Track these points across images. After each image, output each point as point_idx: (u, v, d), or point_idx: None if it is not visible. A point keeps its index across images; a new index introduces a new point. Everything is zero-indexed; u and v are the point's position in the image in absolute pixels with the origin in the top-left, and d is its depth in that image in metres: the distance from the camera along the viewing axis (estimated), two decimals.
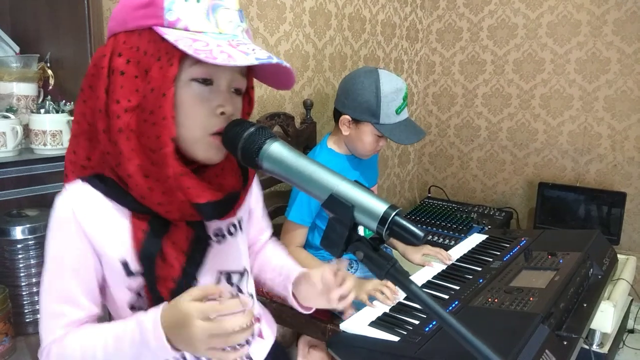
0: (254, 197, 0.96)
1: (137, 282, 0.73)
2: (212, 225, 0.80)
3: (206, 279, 0.79)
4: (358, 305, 1.46)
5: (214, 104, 0.70)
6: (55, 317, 0.73)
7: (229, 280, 0.85)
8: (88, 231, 0.71)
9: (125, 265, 0.73)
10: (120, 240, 0.72)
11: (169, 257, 0.73)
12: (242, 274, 0.88)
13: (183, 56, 0.65)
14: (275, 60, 0.66)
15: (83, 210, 0.71)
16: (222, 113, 0.70)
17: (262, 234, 1.04)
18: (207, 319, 0.64)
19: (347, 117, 1.60)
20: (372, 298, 1.37)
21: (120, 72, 0.67)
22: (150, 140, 0.67)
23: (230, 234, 0.84)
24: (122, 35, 0.68)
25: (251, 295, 0.91)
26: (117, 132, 0.67)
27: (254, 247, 1.02)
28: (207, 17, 0.67)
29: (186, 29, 0.66)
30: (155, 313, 0.68)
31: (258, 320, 0.92)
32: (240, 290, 0.87)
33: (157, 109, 0.66)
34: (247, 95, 0.78)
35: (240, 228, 0.87)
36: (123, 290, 0.74)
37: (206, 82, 0.69)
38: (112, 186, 0.71)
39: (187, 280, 0.75)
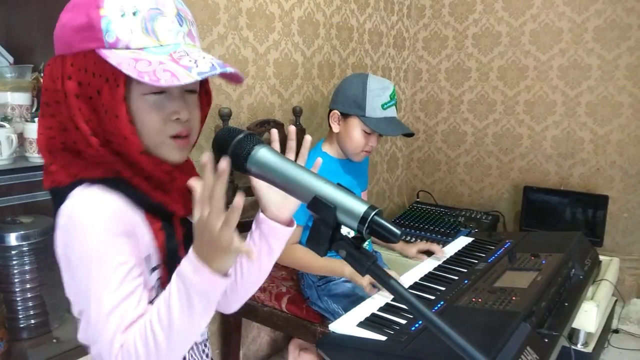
0: None
1: (155, 278, 0.76)
2: None
3: None
4: (347, 308, 1.50)
5: (168, 110, 0.72)
6: (118, 319, 0.68)
7: None
8: (128, 227, 0.71)
9: (148, 260, 0.75)
10: (142, 236, 0.74)
11: (180, 252, 0.76)
12: None
13: (129, 76, 0.67)
14: (218, 70, 0.68)
15: (119, 208, 0.71)
16: (177, 118, 0.73)
17: None
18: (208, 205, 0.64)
19: (337, 112, 1.67)
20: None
21: (75, 95, 0.69)
22: (126, 155, 0.71)
23: None
24: (68, 58, 0.69)
25: None
26: (99, 146, 0.70)
27: None
28: (145, 31, 0.68)
29: (127, 48, 0.67)
30: (187, 254, 0.68)
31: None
32: None
33: (116, 130, 0.69)
34: (203, 89, 0.80)
35: None
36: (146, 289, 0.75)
37: (158, 91, 0.71)
38: (126, 186, 0.72)
39: None
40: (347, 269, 1.52)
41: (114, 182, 0.72)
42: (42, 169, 0.76)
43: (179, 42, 0.71)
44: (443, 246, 1.82)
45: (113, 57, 0.66)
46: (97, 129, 0.70)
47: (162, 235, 0.74)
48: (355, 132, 1.64)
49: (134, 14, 0.67)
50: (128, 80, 0.68)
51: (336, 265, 1.55)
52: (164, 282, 0.76)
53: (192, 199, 0.68)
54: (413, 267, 1.67)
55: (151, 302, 0.75)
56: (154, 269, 0.76)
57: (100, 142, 0.70)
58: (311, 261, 1.59)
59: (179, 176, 0.75)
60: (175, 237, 0.77)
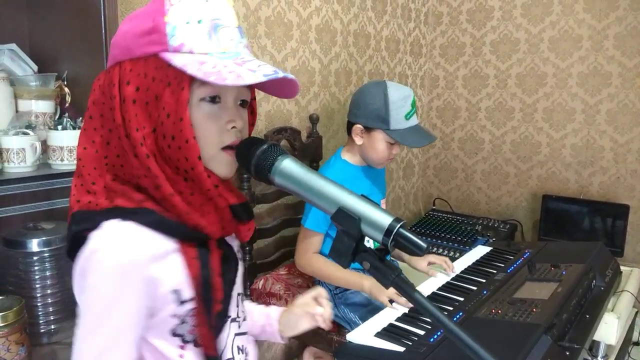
0: None
1: (185, 309, 0.73)
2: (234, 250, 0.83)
3: (232, 300, 0.81)
4: (363, 317, 1.49)
5: (224, 120, 0.72)
6: None
7: (242, 302, 0.88)
8: (150, 272, 0.69)
9: (176, 294, 0.72)
10: (172, 270, 0.71)
11: (214, 281, 0.75)
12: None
13: (191, 79, 0.67)
14: (281, 74, 0.68)
15: (143, 256, 0.69)
16: (233, 127, 0.73)
17: None
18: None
19: (359, 126, 1.66)
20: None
21: (132, 101, 0.69)
22: (180, 162, 0.70)
23: (240, 259, 0.86)
24: (127, 63, 0.70)
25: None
26: (146, 157, 0.69)
27: None
28: (209, 37, 0.69)
29: (191, 52, 0.68)
30: None
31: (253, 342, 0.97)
32: (245, 312, 0.90)
33: (177, 133, 0.69)
34: (250, 106, 0.80)
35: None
36: (168, 319, 0.73)
37: (214, 100, 0.71)
38: (155, 217, 0.70)
39: (227, 300, 0.77)
40: (366, 283, 1.50)
41: (147, 215, 0.70)
42: (72, 184, 0.74)
43: (240, 51, 0.72)
44: (460, 255, 1.81)
45: (177, 59, 0.67)
46: (148, 138, 0.70)
47: (196, 264, 0.72)
48: (380, 144, 1.64)
49: (199, 22, 0.68)
50: (190, 84, 0.68)
51: (355, 279, 1.54)
52: (199, 313, 0.74)
53: (231, 220, 0.73)
54: (421, 275, 1.67)
55: (174, 332, 0.74)
56: (184, 302, 0.73)
57: (149, 150, 0.70)
58: (331, 272, 1.59)
59: (223, 193, 0.74)
60: (209, 263, 0.74)
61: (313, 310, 0.95)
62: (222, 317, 0.77)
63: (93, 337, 0.67)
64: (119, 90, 0.70)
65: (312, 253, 1.64)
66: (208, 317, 0.74)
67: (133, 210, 0.70)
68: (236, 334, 0.83)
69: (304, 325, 0.97)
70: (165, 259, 0.71)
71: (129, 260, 0.68)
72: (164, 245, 0.71)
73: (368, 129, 1.65)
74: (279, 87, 0.76)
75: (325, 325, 0.96)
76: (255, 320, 0.99)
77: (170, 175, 0.71)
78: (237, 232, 0.80)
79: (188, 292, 0.72)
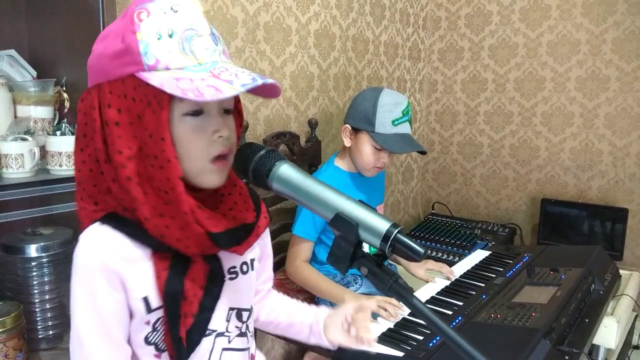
0: (267, 243, 0.98)
1: (156, 316, 0.75)
2: (228, 262, 0.82)
3: (218, 314, 0.80)
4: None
5: (210, 130, 0.71)
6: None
7: (239, 317, 0.86)
8: (119, 275, 0.72)
9: (146, 301, 0.74)
10: (142, 277, 0.73)
11: (189, 294, 0.74)
12: (250, 311, 0.89)
13: (171, 96, 0.66)
14: (260, 81, 0.66)
15: (110, 255, 0.72)
16: (220, 137, 0.72)
17: (267, 283, 1.03)
18: None
19: (348, 126, 1.66)
20: (375, 315, 1.40)
21: (115, 123, 0.69)
22: (161, 182, 0.69)
23: (244, 272, 0.86)
24: (106, 85, 0.69)
25: (251, 334, 0.91)
26: (127, 180, 0.69)
27: (257, 295, 1.00)
28: (183, 51, 0.68)
29: (167, 69, 0.67)
30: None
31: (253, 358, 0.93)
32: (247, 328, 0.88)
33: (159, 153, 0.68)
34: (235, 108, 0.79)
35: (252, 267, 0.88)
36: (141, 325, 0.75)
37: (197, 113, 0.70)
38: (132, 226, 0.72)
39: (205, 314, 0.77)
40: (347, 298, 1.49)
41: (125, 222, 0.72)
42: (77, 207, 0.77)
43: (216, 59, 0.71)
44: (459, 259, 1.81)
45: (154, 78, 0.66)
46: (133, 159, 0.70)
47: (165, 275, 0.73)
48: (365, 147, 1.63)
49: (170, 35, 0.67)
50: (170, 102, 0.68)
51: (338, 293, 1.53)
52: (165, 322, 0.75)
53: (211, 246, 0.74)
54: (418, 279, 1.67)
55: (148, 340, 0.76)
56: (154, 310, 0.74)
57: (132, 172, 0.70)
58: (316, 284, 1.58)
59: (201, 219, 0.71)
60: (187, 275, 0.74)
61: (362, 332, 0.93)
62: (198, 330, 0.77)
63: (87, 333, 0.73)
64: (100, 113, 0.70)
65: (300, 261, 1.63)
66: (174, 328, 0.74)
67: (115, 217, 0.73)
68: (224, 349, 0.82)
69: (340, 338, 0.95)
70: (136, 264, 0.73)
71: (93, 261, 0.71)
72: (135, 251, 0.73)
73: (356, 131, 1.65)
74: (262, 89, 0.74)
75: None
76: (301, 319, 1.00)
77: (151, 198, 0.70)
78: (228, 250, 0.78)
79: (157, 301, 0.74)
